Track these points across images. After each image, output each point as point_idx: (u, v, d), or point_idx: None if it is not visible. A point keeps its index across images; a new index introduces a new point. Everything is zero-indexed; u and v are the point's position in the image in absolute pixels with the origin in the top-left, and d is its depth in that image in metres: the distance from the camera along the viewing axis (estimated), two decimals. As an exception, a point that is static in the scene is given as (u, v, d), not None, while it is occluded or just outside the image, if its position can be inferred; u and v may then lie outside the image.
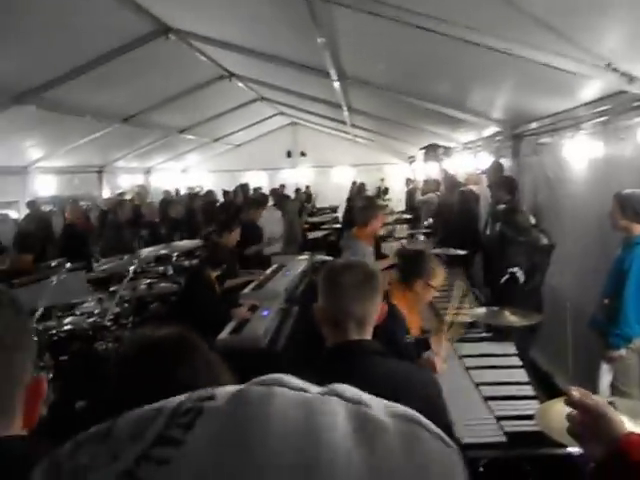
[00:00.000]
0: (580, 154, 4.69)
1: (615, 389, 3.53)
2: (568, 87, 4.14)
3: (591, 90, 4.02)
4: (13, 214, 8.95)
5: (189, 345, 1.21)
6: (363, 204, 5.31)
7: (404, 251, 4.14)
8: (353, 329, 1.57)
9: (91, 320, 3.52)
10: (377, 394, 1.30)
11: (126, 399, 1.11)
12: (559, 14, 3.06)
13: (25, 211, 8.84)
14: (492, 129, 6.86)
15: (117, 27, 5.75)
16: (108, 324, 3.53)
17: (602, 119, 4.18)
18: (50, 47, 5.59)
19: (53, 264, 4.10)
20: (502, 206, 4.82)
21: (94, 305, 4.03)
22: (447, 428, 1.59)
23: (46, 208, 9.32)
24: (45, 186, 9.73)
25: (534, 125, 5.62)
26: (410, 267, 2.91)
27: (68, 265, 3.73)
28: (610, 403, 1.26)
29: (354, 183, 14.14)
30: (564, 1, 2.91)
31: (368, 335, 1.62)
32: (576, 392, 1.19)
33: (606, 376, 3.56)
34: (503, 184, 5.52)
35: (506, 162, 6.40)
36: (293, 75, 7.33)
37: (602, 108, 4.08)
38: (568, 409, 1.25)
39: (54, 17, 4.99)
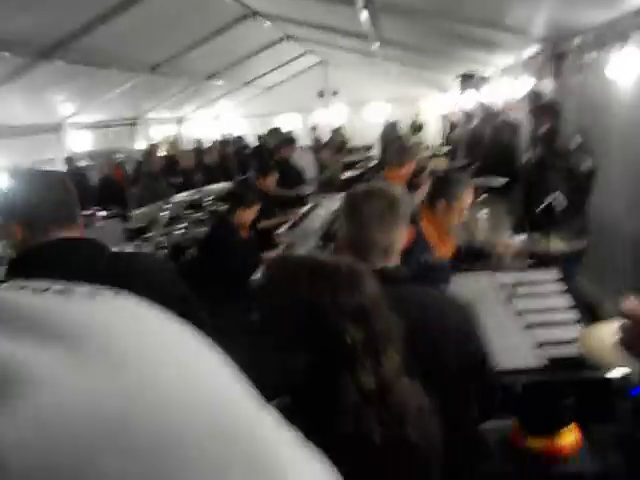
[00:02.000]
0: (628, 70, 4.36)
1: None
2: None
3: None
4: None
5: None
6: (395, 146, 5.08)
7: (433, 174, 4.04)
8: (378, 259, 1.51)
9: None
10: (409, 323, 1.25)
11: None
12: None
13: (62, 168, 8.98)
14: (532, 49, 6.47)
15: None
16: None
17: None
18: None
19: (87, 213, 4.14)
20: (542, 129, 4.57)
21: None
22: (483, 356, 1.53)
23: (82, 163, 9.44)
24: (80, 142, 9.82)
25: (577, 41, 5.25)
26: (434, 189, 2.95)
27: (102, 214, 3.76)
28: None
29: (387, 122, 13.78)
30: None
31: (394, 262, 1.55)
32: (630, 302, 1.13)
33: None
34: (544, 109, 5.23)
35: (548, 84, 6.05)
36: (319, 8, 7.04)
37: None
38: (609, 332, 1.22)
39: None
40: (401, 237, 1.56)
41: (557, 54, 5.84)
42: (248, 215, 3.95)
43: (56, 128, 9.21)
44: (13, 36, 5.71)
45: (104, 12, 6.09)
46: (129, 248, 4.06)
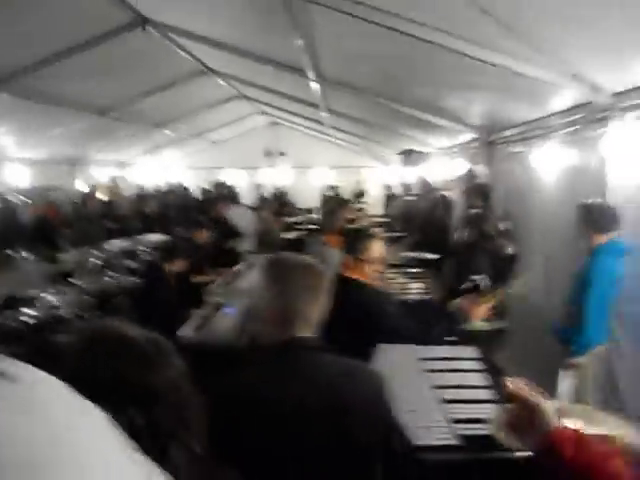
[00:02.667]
0: (550, 163, 4.76)
1: (575, 396, 3.58)
2: (539, 96, 4.21)
3: (561, 99, 4.09)
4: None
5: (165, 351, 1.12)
6: (331, 209, 5.27)
7: (347, 229, 4.24)
8: (299, 327, 1.56)
9: (51, 312, 3.45)
10: (319, 390, 1.30)
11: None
12: (530, 23, 3.10)
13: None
14: (468, 135, 6.94)
15: (94, 16, 5.65)
16: (69, 316, 3.46)
17: (571, 129, 4.25)
18: (23, 33, 5.46)
19: (15, 255, 4.01)
20: (473, 212, 4.87)
21: (55, 297, 3.95)
22: (392, 426, 1.58)
23: (16, 199, 9.10)
24: (17, 177, 9.51)
25: (507, 133, 5.70)
26: (348, 244, 3.17)
27: (28, 256, 3.66)
28: (559, 409, 1.26)
29: (328, 186, 14.18)
30: (535, 11, 2.94)
31: (311, 332, 1.61)
32: (511, 383, 1.19)
33: (566, 382, 3.61)
34: (476, 190, 5.58)
35: (480, 169, 6.47)
36: (273, 74, 7.31)
37: (571, 118, 4.15)
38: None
39: (31, 3, 4.89)
40: (324, 309, 1.63)
41: (489, 142, 6.29)
42: (174, 267, 3.95)
43: (-8, 161, 8.92)
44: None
45: (59, 50, 6.09)
46: (54, 292, 3.93)
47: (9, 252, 4.28)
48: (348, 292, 2.75)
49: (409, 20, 3.58)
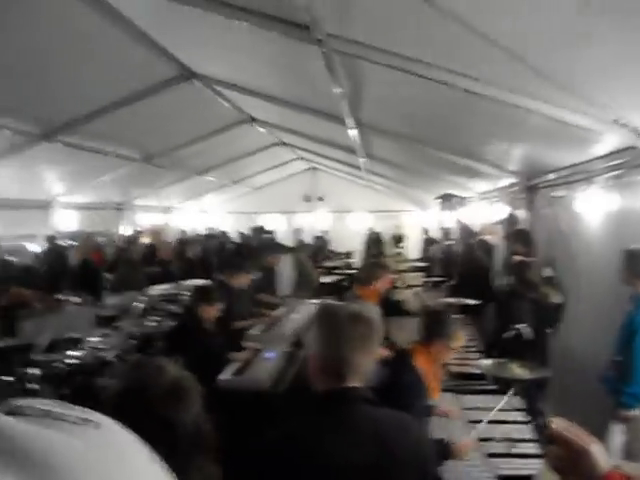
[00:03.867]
0: (594, 207, 4.68)
1: (627, 450, 3.40)
2: (580, 141, 4.18)
3: (603, 145, 4.05)
4: (33, 247, 9.10)
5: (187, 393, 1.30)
6: (368, 263, 5.19)
7: (428, 309, 4.00)
8: (350, 377, 1.54)
9: (96, 355, 3.52)
10: (364, 442, 1.29)
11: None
12: (572, 72, 3.12)
13: (44, 244, 9.01)
14: (507, 180, 6.89)
15: (144, 70, 5.97)
16: (112, 359, 3.52)
17: (614, 173, 4.19)
18: (76, 86, 5.80)
19: (62, 298, 4.14)
20: (516, 259, 4.79)
21: (100, 340, 4.04)
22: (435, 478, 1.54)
23: (65, 242, 9.46)
24: (66, 221, 9.92)
25: (549, 177, 5.64)
26: (430, 327, 2.88)
27: (77, 299, 3.77)
28: (616, 467, 1.20)
29: (370, 231, 14.20)
30: (572, 58, 2.96)
31: (360, 382, 1.59)
32: (556, 424, 1.11)
33: (617, 436, 3.44)
34: (519, 236, 5.48)
35: (521, 213, 6.39)
36: (312, 121, 7.49)
37: (614, 162, 4.10)
38: None
39: (84, 57, 5.20)
40: (373, 360, 1.62)
41: (530, 187, 6.22)
42: (211, 311, 3.93)
43: (44, 205, 9.33)
44: (17, 114, 5.96)
45: (111, 102, 6.42)
46: (99, 335, 4.03)
47: (58, 295, 4.42)
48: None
49: (447, 70, 3.64)
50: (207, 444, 1.29)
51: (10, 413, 0.42)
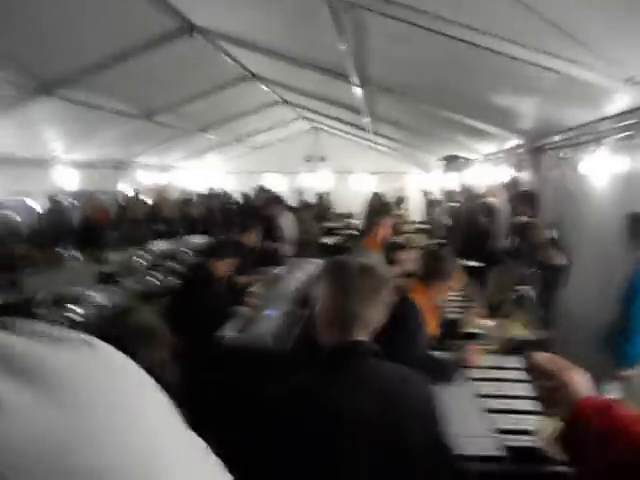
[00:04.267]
0: (602, 169, 4.61)
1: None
2: (591, 100, 4.08)
3: (613, 104, 3.96)
4: (34, 204, 9.06)
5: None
6: (369, 212, 5.34)
7: (428, 250, 4.13)
8: (358, 331, 1.54)
9: (97, 310, 3.53)
10: (371, 396, 1.28)
11: None
12: (585, 26, 3.01)
13: (45, 202, 8.96)
14: (514, 141, 6.79)
15: (143, 23, 5.79)
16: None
17: (625, 134, 4.11)
18: (73, 40, 5.65)
19: (64, 253, 4.12)
20: (520, 220, 4.75)
21: (102, 296, 4.05)
22: (440, 435, 1.55)
23: (66, 201, 9.41)
24: (66, 179, 9.83)
25: (556, 138, 5.55)
26: (430, 266, 3.00)
27: (76, 255, 3.75)
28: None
29: (373, 192, 14.10)
30: (590, 14, 2.86)
31: (368, 337, 1.58)
32: (537, 356, 1.16)
33: (612, 395, 3.47)
34: (523, 198, 5.43)
35: (527, 175, 6.32)
36: (316, 79, 7.33)
37: (625, 123, 4.01)
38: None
39: (80, 9, 5.04)
40: (383, 315, 1.60)
41: (536, 148, 6.13)
42: (221, 267, 3.93)
43: (43, 164, 9.23)
44: (13, 68, 5.83)
45: (108, 56, 6.26)
46: (101, 291, 4.03)
47: (59, 250, 4.40)
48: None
49: (457, 23, 3.52)
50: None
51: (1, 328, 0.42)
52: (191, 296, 3.60)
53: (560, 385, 1.10)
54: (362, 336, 1.55)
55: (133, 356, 1.25)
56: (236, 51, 7.42)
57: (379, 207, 7.68)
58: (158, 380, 1.26)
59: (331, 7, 3.81)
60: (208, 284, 3.76)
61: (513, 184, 6.17)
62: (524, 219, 4.65)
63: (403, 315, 2.64)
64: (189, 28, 6.21)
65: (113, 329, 1.29)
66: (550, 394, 1.12)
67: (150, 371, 1.25)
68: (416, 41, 4.37)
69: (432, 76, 5.81)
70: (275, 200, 7.24)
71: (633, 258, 3.55)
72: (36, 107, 6.79)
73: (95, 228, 7.05)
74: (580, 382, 1.10)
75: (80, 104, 7.29)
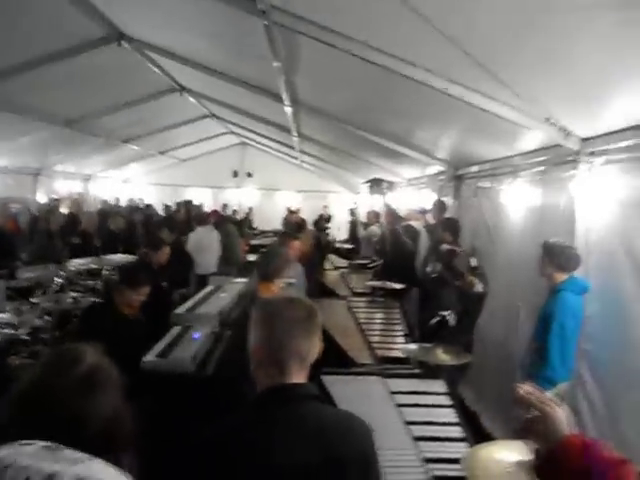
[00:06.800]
0: (517, 201, 4.87)
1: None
2: (509, 136, 4.32)
3: (530, 140, 4.20)
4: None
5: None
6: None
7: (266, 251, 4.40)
8: (294, 369, 1.49)
9: (7, 332, 3.28)
10: (310, 441, 1.25)
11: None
12: (508, 68, 3.19)
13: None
14: (436, 168, 7.06)
15: (69, 28, 5.56)
16: (25, 337, 3.30)
17: (539, 169, 4.37)
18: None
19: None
20: (444, 247, 4.91)
21: (12, 316, 3.76)
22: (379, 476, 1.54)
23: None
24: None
25: (475, 168, 5.82)
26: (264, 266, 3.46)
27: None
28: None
29: (289, 210, 14.24)
30: (512, 55, 3.03)
31: (305, 377, 1.54)
32: (523, 389, 1.23)
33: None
34: (448, 225, 5.61)
35: (448, 201, 6.57)
36: (246, 95, 7.31)
37: (540, 159, 4.27)
38: (493, 455, 1.24)
39: (6, 11, 4.77)
40: (316, 348, 1.55)
41: (457, 176, 6.41)
42: (136, 295, 3.67)
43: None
44: None
45: (32, 59, 5.95)
46: (10, 310, 3.75)
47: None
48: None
49: (387, 54, 3.63)
50: (123, 437, 1.25)
51: None
52: (97, 325, 3.32)
53: (542, 418, 1.16)
54: (299, 376, 1.51)
55: (78, 412, 1.18)
56: (165, 62, 7.28)
57: (294, 225, 7.74)
58: (110, 429, 1.20)
59: (267, 27, 3.82)
60: (115, 314, 3.47)
61: (438, 208, 6.39)
62: (448, 246, 4.83)
63: None
64: (118, 36, 6.03)
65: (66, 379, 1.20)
66: (531, 425, 1.18)
67: (99, 424, 1.20)
68: (346, 66, 4.45)
69: (359, 101, 5.95)
70: (196, 217, 7.08)
71: (545, 286, 3.76)
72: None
73: (6, 240, 6.59)
74: (562, 417, 1.16)
75: (-5, 107, 6.87)
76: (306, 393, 1.50)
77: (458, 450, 2.38)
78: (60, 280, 3.93)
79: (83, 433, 1.09)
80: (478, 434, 3.63)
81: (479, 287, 4.26)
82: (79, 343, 1.29)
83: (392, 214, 8.04)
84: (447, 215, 6.22)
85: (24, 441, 0.50)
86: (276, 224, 14.19)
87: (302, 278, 4.97)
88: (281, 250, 3.88)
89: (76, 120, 8.70)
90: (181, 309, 4.44)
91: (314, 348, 1.54)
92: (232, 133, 14.26)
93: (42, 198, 11.13)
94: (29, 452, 0.49)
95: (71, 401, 1.14)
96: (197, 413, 3.26)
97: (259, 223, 14.96)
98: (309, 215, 14.27)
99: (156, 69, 7.44)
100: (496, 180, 5.35)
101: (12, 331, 3.30)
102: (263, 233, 13.62)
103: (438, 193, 7.25)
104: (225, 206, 14.56)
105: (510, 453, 1.93)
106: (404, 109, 5.41)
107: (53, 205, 8.83)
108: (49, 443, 0.50)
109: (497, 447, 2.03)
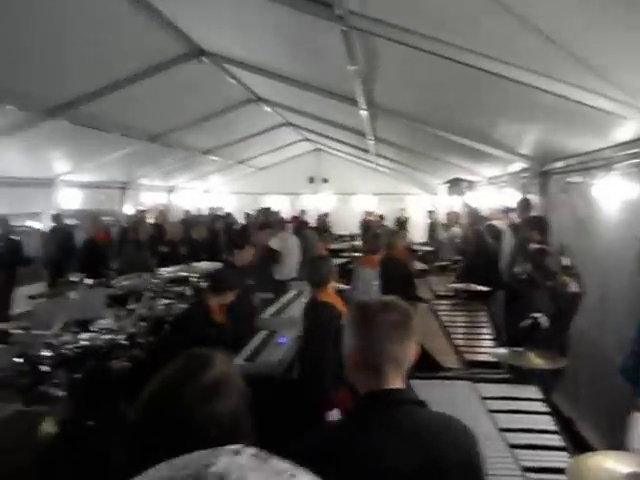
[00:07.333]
0: (611, 195, 4.59)
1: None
2: (601, 126, 4.07)
3: (625, 131, 3.94)
4: (37, 225, 9.04)
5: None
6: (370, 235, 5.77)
7: (312, 258, 4.41)
8: (390, 374, 1.46)
9: (107, 337, 3.47)
10: (415, 447, 1.22)
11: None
12: (596, 51, 3.01)
13: (49, 222, 8.94)
14: (518, 165, 6.80)
15: (153, 47, 5.84)
16: (124, 342, 3.47)
17: (635, 160, 4.10)
18: (85, 63, 5.68)
19: (73, 279, 4.08)
20: (534, 246, 4.70)
21: (111, 322, 3.99)
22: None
23: (70, 221, 9.39)
24: (70, 199, 9.83)
25: (563, 163, 5.53)
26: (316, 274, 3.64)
27: (88, 281, 3.72)
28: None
29: (367, 213, 14.25)
30: (602, 39, 2.86)
31: (403, 381, 1.51)
32: None
33: (637, 426, 3.40)
34: (535, 223, 5.37)
35: (533, 199, 6.30)
36: (320, 101, 7.37)
37: (636, 150, 4.00)
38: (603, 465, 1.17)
39: (91, 33, 5.07)
40: (412, 351, 1.52)
41: (543, 172, 6.13)
42: (221, 300, 3.79)
43: (48, 183, 9.24)
44: (22, 91, 5.84)
45: (118, 80, 6.30)
46: (109, 317, 3.98)
47: (71, 277, 4.36)
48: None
49: (468, 50, 3.53)
50: (245, 436, 1.28)
51: None
52: (188, 330, 3.43)
53: None
54: (396, 381, 1.48)
55: (205, 415, 1.23)
56: (242, 74, 7.47)
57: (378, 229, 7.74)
58: (233, 432, 1.24)
59: (344, 32, 3.82)
60: (205, 319, 3.56)
61: (522, 207, 6.14)
62: (537, 245, 4.61)
63: None
64: (198, 52, 6.25)
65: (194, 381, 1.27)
66: None
67: (238, 417, 1.24)
68: (423, 65, 4.38)
69: (437, 101, 5.84)
70: (275, 223, 7.19)
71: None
72: (43, 130, 6.80)
73: (99, 250, 7.00)
74: None
75: (87, 125, 7.31)
76: (405, 398, 1.47)
77: (559, 459, 2.26)
78: (152, 288, 4.10)
79: (208, 435, 1.14)
80: (576, 443, 3.45)
81: (573, 287, 4.04)
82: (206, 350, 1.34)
83: (474, 214, 7.83)
84: (533, 213, 5.96)
85: (229, 447, 0.52)
86: (353, 228, 14.21)
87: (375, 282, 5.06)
88: (325, 257, 4.17)
89: (159, 135, 9.12)
90: (266, 314, 4.52)
91: (410, 352, 1.51)
92: (307, 140, 14.43)
93: (129, 210, 11.74)
94: (242, 463, 0.50)
95: (198, 406, 1.19)
96: (284, 416, 3.30)
97: (336, 228, 15.01)
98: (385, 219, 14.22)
99: (234, 81, 7.66)
100: (588, 174, 5.06)
101: (112, 336, 3.49)
102: (340, 237, 13.64)
103: (521, 191, 6.97)
104: (303, 212, 14.72)
105: (620, 464, 1.81)
106: (484, 105, 5.25)
107: (140, 216, 9.28)
108: (255, 451, 0.52)
109: (604, 457, 1.91)
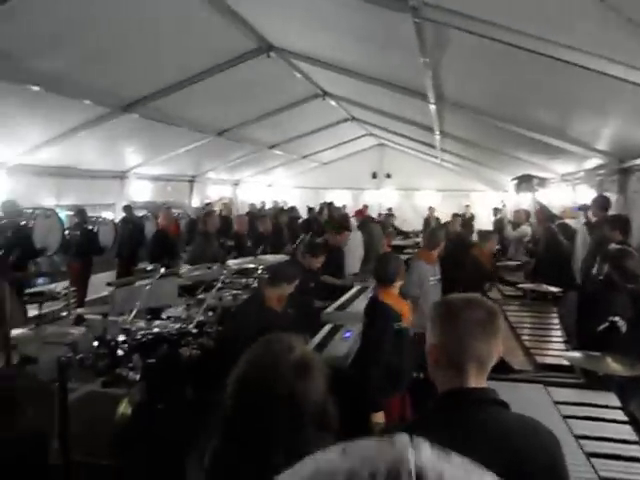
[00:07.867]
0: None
1: None
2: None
3: None
4: (110, 215, 9.45)
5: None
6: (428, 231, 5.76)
7: (381, 256, 4.36)
8: (473, 373, 1.42)
9: (178, 325, 3.58)
10: (497, 448, 1.17)
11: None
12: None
13: (121, 213, 9.33)
14: (595, 161, 6.50)
15: (224, 43, 5.95)
16: (193, 331, 3.57)
17: None
18: (154, 60, 5.85)
19: (149, 268, 4.23)
20: (614, 246, 4.46)
21: (181, 311, 4.12)
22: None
23: (140, 213, 9.76)
24: (140, 191, 10.22)
25: (644, 160, 5.25)
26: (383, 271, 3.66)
27: (162, 270, 3.84)
28: None
29: (430, 209, 14.05)
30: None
31: (485, 381, 1.48)
32: None
33: None
34: (617, 223, 5.09)
35: (611, 197, 6.00)
36: (387, 95, 7.29)
37: None
38: None
39: (165, 32, 5.22)
40: (497, 351, 1.47)
41: (622, 169, 5.83)
42: (278, 291, 3.80)
43: (120, 176, 9.63)
44: (99, 87, 6.09)
45: (188, 76, 6.47)
46: (180, 306, 4.11)
47: (145, 266, 4.52)
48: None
49: (542, 39, 3.39)
50: (330, 425, 1.31)
51: None
52: (246, 319, 3.47)
53: None
54: (479, 380, 1.44)
55: (295, 394, 1.26)
56: (309, 69, 7.50)
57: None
58: (321, 415, 1.26)
59: (417, 24, 3.76)
60: (261, 309, 3.58)
61: (599, 206, 5.84)
62: (619, 246, 4.38)
63: None
64: (267, 48, 6.32)
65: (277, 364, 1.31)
66: None
67: (312, 407, 1.26)
68: (495, 56, 4.25)
69: (508, 92, 5.65)
70: (343, 229, 7.14)
71: None
72: (117, 124, 7.07)
73: (169, 241, 7.22)
74: None
75: (157, 121, 7.55)
76: (489, 398, 1.42)
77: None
78: (221, 278, 4.20)
79: (303, 412, 1.17)
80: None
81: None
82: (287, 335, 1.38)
83: (545, 212, 7.55)
84: (610, 212, 5.67)
85: (401, 438, 0.50)
86: (416, 225, 14.02)
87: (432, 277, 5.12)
88: (394, 254, 4.16)
89: (227, 129, 9.31)
90: (331, 308, 4.53)
91: (495, 351, 1.45)
92: (371, 135, 14.34)
93: (196, 203, 12.07)
94: (433, 457, 0.48)
95: (290, 380, 1.24)
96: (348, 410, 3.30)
97: (398, 224, 14.87)
98: (450, 216, 13.94)
99: (301, 76, 7.70)
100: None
101: (182, 324, 3.59)
102: (403, 233, 13.49)
103: (597, 188, 6.66)
104: (365, 207, 14.67)
105: None
106: (556, 97, 5.04)
107: (209, 209, 9.52)
108: (428, 443, 0.50)
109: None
